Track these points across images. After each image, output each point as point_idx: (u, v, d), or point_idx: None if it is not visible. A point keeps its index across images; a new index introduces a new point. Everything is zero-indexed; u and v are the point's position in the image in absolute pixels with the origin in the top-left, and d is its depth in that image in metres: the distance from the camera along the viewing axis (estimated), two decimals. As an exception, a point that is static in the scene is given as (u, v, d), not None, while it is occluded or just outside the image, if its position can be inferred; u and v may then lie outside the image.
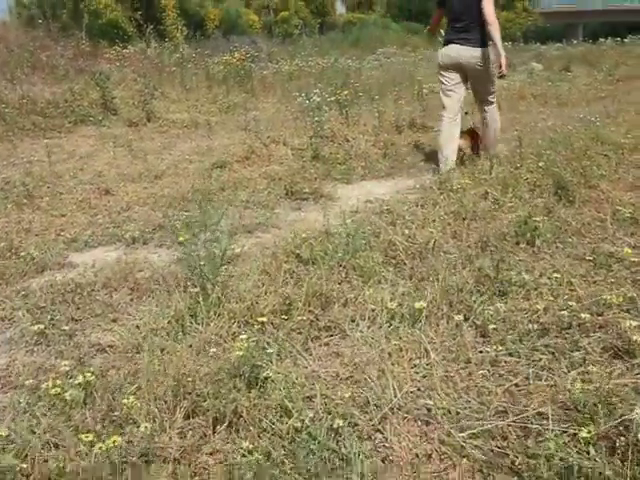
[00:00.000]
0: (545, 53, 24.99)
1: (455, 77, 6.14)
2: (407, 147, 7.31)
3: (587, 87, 14.04)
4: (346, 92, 8.12)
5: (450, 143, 6.15)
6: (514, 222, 4.07)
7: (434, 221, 4.32)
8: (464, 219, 4.35)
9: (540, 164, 5.37)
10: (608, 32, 31.27)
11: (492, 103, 6.34)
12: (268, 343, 2.66)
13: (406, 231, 3.96)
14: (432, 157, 6.98)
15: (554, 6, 55.90)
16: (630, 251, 3.53)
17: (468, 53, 5.98)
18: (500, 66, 5.84)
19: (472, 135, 6.57)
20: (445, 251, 3.74)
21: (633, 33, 25.22)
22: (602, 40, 24.77)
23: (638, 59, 19.66)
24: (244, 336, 2.54)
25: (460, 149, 6.25)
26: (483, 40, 5.95)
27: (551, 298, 3.01)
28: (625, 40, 23.91)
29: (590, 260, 3.54)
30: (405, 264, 3.54)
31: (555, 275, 3.22)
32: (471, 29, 5.94)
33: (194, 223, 4.34)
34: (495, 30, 5.83)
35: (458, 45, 6.01)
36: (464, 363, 2.53)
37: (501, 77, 6.10)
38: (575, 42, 30.83)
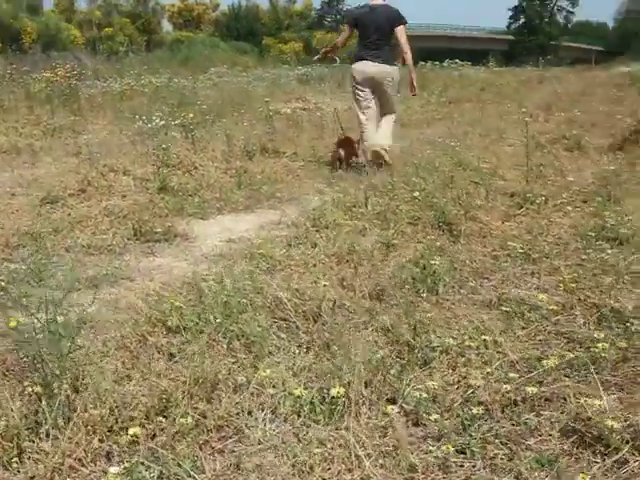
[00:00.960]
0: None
1: (368, 91, 6.98)
2: (262, 175, 6.71)
3: (423, 109, 14.25)
4: (192, 115, 7.39)
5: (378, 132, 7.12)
6: (408, 265, 3.60)
7: (315, 265, 3.78)
8: (348, 262, 3.83)
9: (415, 194, 4.99)
10: (424, 57, 32.87)
11: (393, 115, 7.24)
12: (145, 465, 1.95)
13: (291, 283, 3.35)
14: (290, 186, 6.48)
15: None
16: (544, 297, 3.16)
17: (380, 69, 6.86)
18: (413, 86, 7.20)
19: (349, 143, 7.29)
20: (339, 306, 3.17)
21: (451, 58, 26.33)
22: (422, 63, 25.75)
23: (461, 82, 20.56)
24: (114, 469, 1.81)
25: (340, 159, 7.14)
26: (391, 59, 6.97)
27: (482, 366, 2.54)
28: (444, 64, 25.04)
29: (503, 309, 3.13)
30: (299, 328, 2.93)
31: (479, 336, 2.75)
32: (383, 49, 6.86)
33: (23, 280, 3.47)
34: (409, 56, 6.99)
35: (371, 62, 6.85)
36: (408, 472, 1.97)
37: (413, 95, 7.55)
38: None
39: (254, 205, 5.79)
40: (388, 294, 3.31)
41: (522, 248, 3.99)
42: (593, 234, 4.22)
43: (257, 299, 3.16)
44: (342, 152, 7.13)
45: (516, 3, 62.26)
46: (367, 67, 6.89)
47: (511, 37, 62.65)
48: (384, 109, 7.12)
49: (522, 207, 5.12)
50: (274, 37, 49.30)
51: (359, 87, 6.99)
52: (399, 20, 6.86)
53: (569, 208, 4.97)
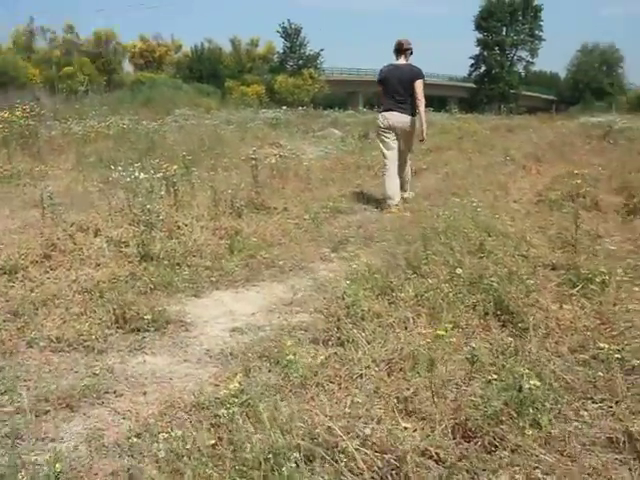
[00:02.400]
0: (340, 119, 25.11)
1: (392, 135, 7.97)
2: (256, 236, 5.82)
3: (404, 157, 13.58)
4: (175, 167, 6.47)
5: (394, 185, 7.98)
6: (495, 384, 2.72)
7: (361, 377, 2.89)
8: (404, 372, 2.95)
9: (458, 271, 4.14)
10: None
11: (410, 156, 8.35)
12: None
13: (351, 421, 2.44)
14: (290, 250, 5.60)
15: (335, 74, 58.39)
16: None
17: (402, 119, 7.88)
18: (422, 133, 8.02)
19: None
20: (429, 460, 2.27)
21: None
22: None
23: (432, 128, 20.04)
24: None
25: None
26: (412, 111, 7.91)
27: None
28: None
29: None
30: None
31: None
32: (405, 102, 7.84)
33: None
34: (422, 106, 7.82)
35: (397, 112, 7.86)
36: None
37: (421, 141, 8.35)
38: (364, 110, 31.69)
39: (254, 277, 4.88)
40: (480, 430, 2.42)
41: (616, 350, 3.15)
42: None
43: (306, 441, 2.24)
44: None
45: (477, 52, 63.17)
46: (391, 116, 7.90)
47: (472, 85, 63.39)
48: (403, 153, 8.14)
49: (575, 285, 4.31)
50: (236, 79, 48.74)
51: (383, 132, 8.06)
52: (415, 76, 7.88)
53: (635, 289, 4.17)
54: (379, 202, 8.16)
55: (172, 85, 39.37)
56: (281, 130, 19.44)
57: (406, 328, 3.46)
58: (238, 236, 5.72)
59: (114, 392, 2.92)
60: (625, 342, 3.37)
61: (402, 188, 8.12)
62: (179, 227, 5.77)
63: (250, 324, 3.85)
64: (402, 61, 8.02)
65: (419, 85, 7.76)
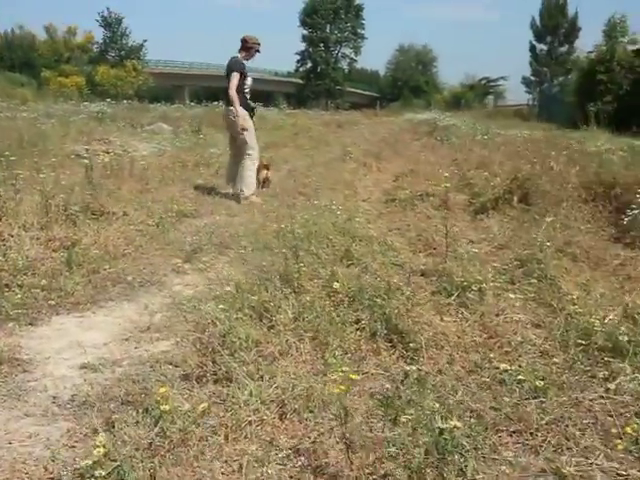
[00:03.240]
0: (169, 114, 24.23)
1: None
2: (97, 247, 5.16)
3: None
4: (-6, 167, 5.60)
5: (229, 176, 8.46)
6: (407, 428, 2.39)
7: (250, 424, 2.45)
8: (300, 417, 2.56)
9: (335, 285, 3.80)
10: (209, 96, 32.16)
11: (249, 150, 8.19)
12: None
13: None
14: (137, 262, 5.02)
15: (160, 67, 56.75)
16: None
17: (224, 111, 8.41)
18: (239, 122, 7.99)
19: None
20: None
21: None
22: (215, 103, 25.01)
23: (265, 124, 19.76)
24: None
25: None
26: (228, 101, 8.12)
27: None
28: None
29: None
30: None
31: None
32: (226, 93, 8.12)
33: None
34: (233, 97, 7.93)
35: (223, 104, 8.81)
36: None
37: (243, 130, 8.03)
38: (191, 104, 30.94)
39: (100, 296, 4.26)
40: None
41: (515, 371, 2.94)
42: (582, 340, 3.30)
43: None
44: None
45: (303, 48, 63.86)
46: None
47: (298, 80, 64.03)
48: (238, 148, 8.30)
49: (450, 294, 4.12)
50: (54, 70, 45.75)
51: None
52: (229, 67, 8.09)
53: (511, 295, 4.04)
54: (226, 204, 7.71)
55: (-21, 74, 36.29)
56: (108, 125, 18.27)
57: (290, 355, 3.06)
58: (76, 247, 5.03)
59: None
60: (519, 358, 3.18)
61: (236, 183, 8.14)
62: (4, 239, 4.98)
63: (103, 358, 3.27)
64: (237, 54, 8.20)
65: (232, 77, 7.92)
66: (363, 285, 3.86)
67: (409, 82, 66.54)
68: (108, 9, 50.29)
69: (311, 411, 2.57)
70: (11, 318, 3.73)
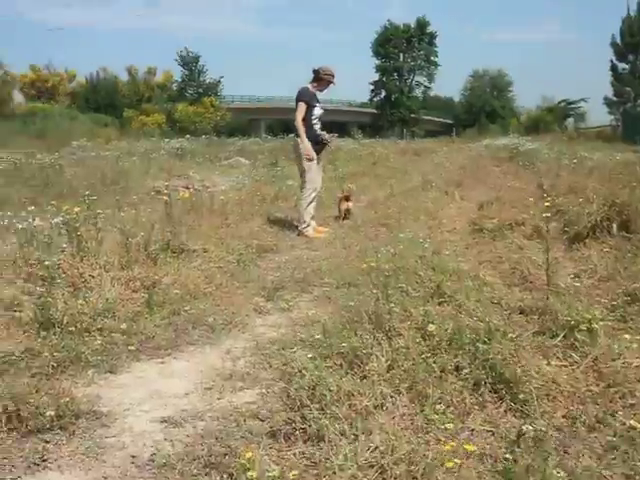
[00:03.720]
0: (246, 147, 24.51)
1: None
2: (177, 287, 5.02)
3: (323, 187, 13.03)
4: (77, 209, 5.55)
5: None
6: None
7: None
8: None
9: (430, 327, 3.49)
10: (285, 129, 32.31)
11: (308, 181, 8.09)
12: None
13: None
14: (218, 301, 4.85)
15: (237, 102, 57.90)
16: None
17: (293, 141, 8.40)
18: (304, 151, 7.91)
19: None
20: None
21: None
22: (290, 136, 25.06)
23: (342, 155, 19.61)
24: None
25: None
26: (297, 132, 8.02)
27: None
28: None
29: None
30: None
31: None
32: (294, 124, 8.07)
33: None
34: (298, 125, 7.90)
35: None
36: None
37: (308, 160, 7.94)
38: (267, 137, 31.27)
39: (180, 340, 4.08)
40: None
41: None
42: None
43: None
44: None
45: (376, 78, 64.00)
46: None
47: (372, 110, 64.13)
48: (302, 178, 8.30)
49: (555, 334, 3.74)
50: (135, 109, 47.22)
51: None
52: (296, 98, 8.04)
53: (627, 336, 3.63)
54: (306, 238, 7.53)
55: (68, 116, 37.75)
56: (187, 160, 18.59)
57: (385, 409, 2.77)
58: (156, 288, 4.90)
59: None
60: (648, 412, 2.80)
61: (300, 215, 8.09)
62: (85, 280, 4.89)
63: (185, 410, 3.06)
64: (307, 85, 8.16)
65: (298, 107, 7.93)
66: (460, 327, 3.54)
67: (484, 107, 65.59)
68: (186, 48, 51.77)
69: (414, 477, 2.27)
70: (91, 365, 3.58)
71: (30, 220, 5.07)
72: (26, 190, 10.09)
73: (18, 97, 47.91)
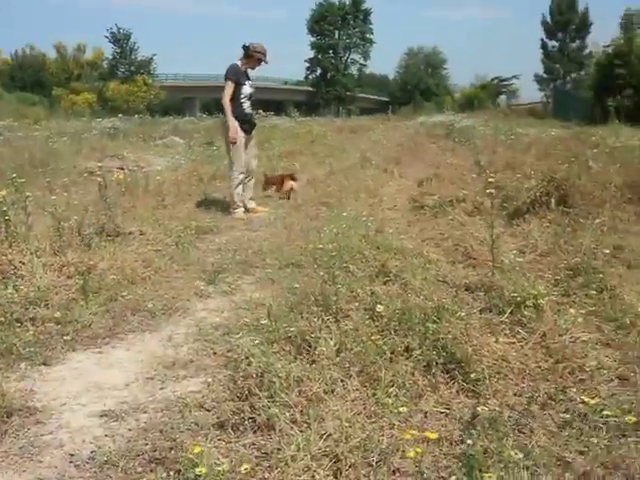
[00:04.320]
0: (181, 127, 24.02)
1: None
2: (113, 272, 4.82)
3: (259, 166, 12.85)
4: (4, 192, 5.26)
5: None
6: None
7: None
8: (351, 468, 2.18)
9: (378, 308, 3.43)
10: (220, 108, 31.73)
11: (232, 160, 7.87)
12: None
13: None
14: (157, 286, 4.68)
15: (170, 80, 56.74)
16: None
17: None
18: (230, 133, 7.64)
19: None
20: None
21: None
22: (221, 115, 24.59)
23: (278, 134, 19.42)
24: None
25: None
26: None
27: None
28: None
29: None
30: None
31: None
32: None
33: None
34: (225, 105, 7.68)
35: None
36: None
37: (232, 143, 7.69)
38: (203, 116, 30.72)
39: (120, 328, 3.91)
40: None
41: (599, 405, 2.55)
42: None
43: None
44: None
45: (312, 55, 63.64)
46: None
47: (308, 88, 63.82)
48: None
49: (502, 311, 3.73)
50: (64, 87, 45.76)
51: None
52: (224, 75, 7.85)
53: (572, 311, 3.63)
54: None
55: (-8, 95, 36.28)
56: (120, 140, 18.04)
57: (336, 394, 2.69)
58: (91, 273, 4.70)
59: None
60: (597, 387, 2.79)
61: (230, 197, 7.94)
62: (15, 267, 4.64)
63: (125, 403, 2.91)
64: (237, 61, 7.88)
65: (226, 84, 7.74)
66: (408, 306, 3.48)
67: (419, 85, 66.11)
68: (117, 25, 50.33)
69: (370, 465, 2.19)
70: (23, 357, 3.38)
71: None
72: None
73: None
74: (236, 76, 7.68)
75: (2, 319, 3.72)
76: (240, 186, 7.79)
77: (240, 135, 7.69)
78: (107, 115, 27.62)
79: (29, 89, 43.11)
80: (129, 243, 5.71)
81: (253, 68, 7.96)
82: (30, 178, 8.10)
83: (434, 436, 2.10)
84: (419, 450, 1.93)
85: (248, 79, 7.88)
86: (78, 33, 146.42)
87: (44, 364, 3.37)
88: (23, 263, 4.75)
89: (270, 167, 12.06)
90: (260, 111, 24.10)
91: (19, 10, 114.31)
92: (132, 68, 50.02)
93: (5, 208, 5.18)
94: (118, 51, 50.78)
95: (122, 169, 11.72)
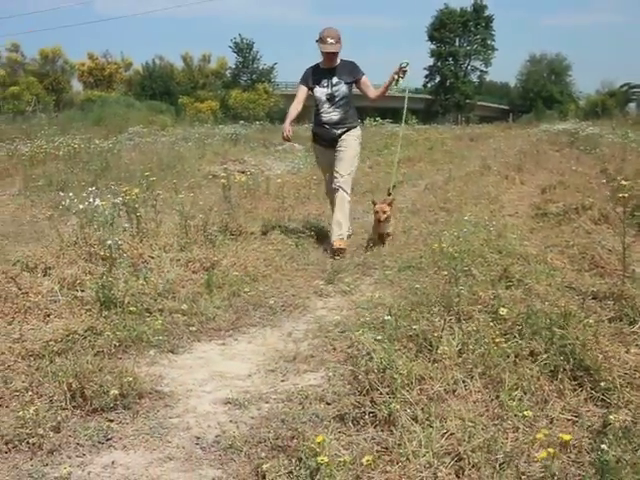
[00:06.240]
0: (300, 134, 24.30)
1: None
2: (236, 268, 4.96)
3: (373, 170, 12.91)
4: (136, 190, 5.55)
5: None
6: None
7: None
8: (474, 468, 2.13)
9: (502, 311, 3.34)
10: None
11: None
12: None
13: None
14: (278, 284, 4.77)
15: (290, 89, 57.75)
16: None
17: None
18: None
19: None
20: None
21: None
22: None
23: (402, 140, 19.28)
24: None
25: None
26: None
27: None
28: (364, 122, 23.83)
29: None
30: None
31: None
32: None
33: None
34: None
35: None
36: None
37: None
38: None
39: (241, 321, 4.02)
40: None
41: None
42: None
43: None
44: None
45: (431, 63, 63.12)
46: None
47: (426, 96, 63.26)
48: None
49: (634, 322, 3.54)
50: (190, 96, 47.66)
51: None
52: None
53: None
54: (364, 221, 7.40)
55: (124, 103, 38.15)
56: (242, 145, 18.56)
57: (458, 394, 2.64)
58: (216, 269, 4.85)
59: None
60: None
61: None
62: (145, 261, 4.87)
63: (248, 392, 2.98)
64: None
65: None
66: (533, 311, 3.37)
67: (541, 93, 64.05)
68: (240, 35, 51.96)
69: (494, 467, 2.14)
70: (152, 345, 3.53)
71: (90, 200, 5.06)
72: (85, 174, 10.18)
73: (77, 85, 48.90)
74: (304, 80, 6.37)
75: (133, 308, 3.90)
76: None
77: (316, 149, 6.66)
78: (229, 122, 28.51)
79: (158, 97, 45.11)
80: (251, 242, 5.86)
81: (329, 64, 6.19)
82: (158, 180, 8.48)
83: (568, 438, 2.01)
84: (551, 451, 1.86)
85: (325, 78, 6.21)
86: (204, 44, 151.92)
87: (171, 352, 3.51)
88: (152, 257, 4.97)
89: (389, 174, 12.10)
90: (378, 118, 24.20)
91: (149, 24, 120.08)
92: (254, 77, 51.46)
93: (137, 205, 5.44)
94: (241, 60, 52.38)
95: (244, 173, 12.05)
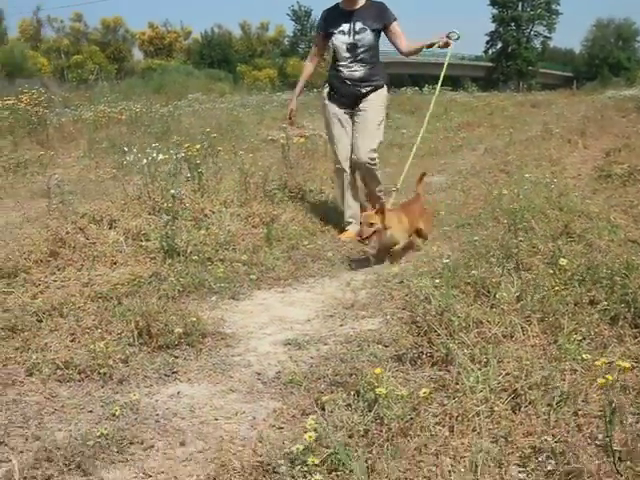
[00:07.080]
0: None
1: None
2: (295, 223, 5.04)
3: (433, 135, 12.74)
4: (198, 146, 5.64)
5: None
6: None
7: (478, 415, 2.09)
8: (531, 405, 2.15)
9: (562, 261, 3.31)
10: (398, 84, 31.52)
11: None
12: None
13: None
14: (334, 238, 4.82)
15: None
16: None
17: None
18: None
19: None
20: None
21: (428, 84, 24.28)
22: (403, 89, 24.45)
23: (456, 107, 19.07)
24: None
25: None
26: None
27: None
28: (424, 90, 23.54)
29: None
30: None
31: None
32: None
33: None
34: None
35: None
36: None
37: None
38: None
39: (301, 272, 4.09)
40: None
41: None
42: None
43: None
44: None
45: (492, 29, 61.67)
46: None
47: (487, 64, 61.94)
48: None
49: None
50: (247, 64, 47.87)
51: None
52: None
53: None
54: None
55: (184, 71, 38.56)
56: (300, 111, 18.57)
57: (515, 339, 2.65)
58: (275, 224, 4.93)
59: (141, 443, 2.14)
60: None
61: None
62: (206, 215, 4.97)
63: (307, 335, 3.05)
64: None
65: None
66: (594, 262, 3.33)
67: (608, 59, 61.96)
68: (298, 2, 51.73)
69: (550, 405, 2.15)
70: (214, 291, 3.64)
71: (154, 155, 5.18)
72: (147, 137, 10.36)
73: (137, 54, 49.60)
74: (320, 26, 5.28)
75: (195, 257, 4.01)
76: (338, 189, 5.34)
77: (329, 109, 5.21)
78: (287, 90, 28.54)
79: (216, 65, 45.47)
80: (309, 200, 5.91)
81: (351, 5, 5.04)
82: (218, 142, 8.59)
83: (627, 365, 2.00)
84: (610, 378, 1.87)
85: (347, 23, 5.00)
86: (262, 12, 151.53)
87: (232, 298, 3.61)
88: (213, 212, 5.07)
89: (448, 138, 12.00)
90: (436, 85, 23.78)
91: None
92: (311, 45, 51.23)
93: (198, 161, 5.54)
94: (299, 28, 52.21)
95: (302, 137, 12.09)
